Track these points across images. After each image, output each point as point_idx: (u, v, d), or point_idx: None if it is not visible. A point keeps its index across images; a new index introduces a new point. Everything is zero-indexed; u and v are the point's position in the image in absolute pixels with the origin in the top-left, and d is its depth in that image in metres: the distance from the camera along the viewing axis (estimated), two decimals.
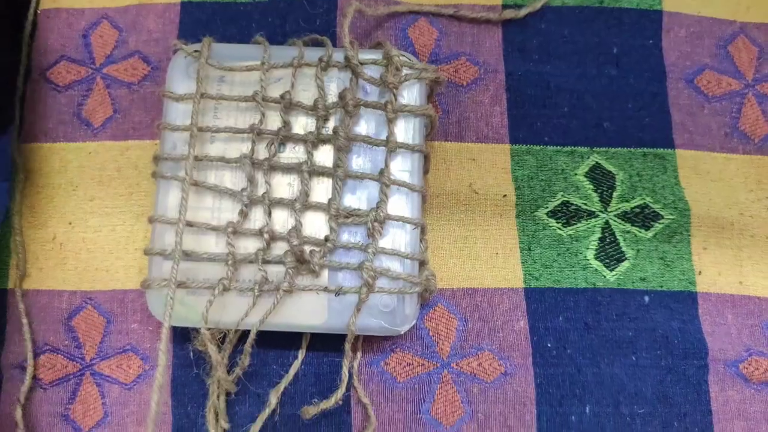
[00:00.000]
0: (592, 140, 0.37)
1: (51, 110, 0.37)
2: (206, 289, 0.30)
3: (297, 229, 0.30)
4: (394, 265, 0.31)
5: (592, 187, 0.36)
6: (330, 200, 0.31)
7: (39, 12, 0.38)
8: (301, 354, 0.33)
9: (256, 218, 0.31)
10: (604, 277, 0.35)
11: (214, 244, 0.31)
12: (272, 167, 0.31)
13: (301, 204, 0.30)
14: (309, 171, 0.31)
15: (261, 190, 0.31)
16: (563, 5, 0.39)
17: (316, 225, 0.31)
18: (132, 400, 0.33)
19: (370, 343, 0.34)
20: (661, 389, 0.34)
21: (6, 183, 0.36)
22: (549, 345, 0.34)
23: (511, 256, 0.35)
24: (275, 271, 0.31)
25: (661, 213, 0.36)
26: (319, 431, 0.33)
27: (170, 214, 0.31)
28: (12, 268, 0.35)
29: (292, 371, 0.33)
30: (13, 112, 0.37)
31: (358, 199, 0.32)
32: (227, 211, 0.31)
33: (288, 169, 0.32)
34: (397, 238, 0.31)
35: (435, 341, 0.34)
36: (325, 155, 0.32)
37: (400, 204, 0.32)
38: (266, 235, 0.30)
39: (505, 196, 0.36)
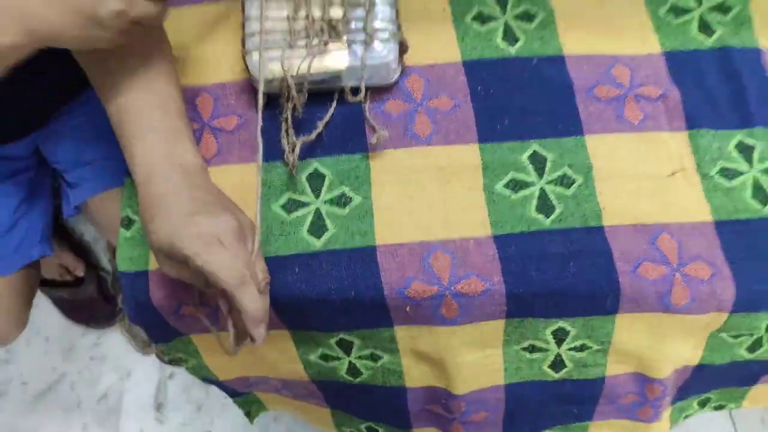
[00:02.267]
0: None
1: None
2: (279, 48, 0.53)
3: (327, 12, 0.54)
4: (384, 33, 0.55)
5: (495, 2, 0.60)
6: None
7: None
8: (334, 103, 0.56)
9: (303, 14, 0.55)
10: (509, 51, 0.59)
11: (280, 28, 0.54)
12: None
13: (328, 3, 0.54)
14: None
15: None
16: None
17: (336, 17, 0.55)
18: (233, 139, 0.56)
19: (374, 96, 0.57)
20: (548, 107, 0.57)
21: None
22: (479, 88, 0.58)
23: (451, 44, 0.59)
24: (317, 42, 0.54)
25: (537, 14, 0.60)
26: (346, 144, 0.55)
27: (254, 13, 0.55)
28: None
29: (330, 111, 0.56)
30: None
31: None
32: (285, 10, 0.55)
33: None
34: (384, 17, 0.55)
35: (412, 93, 0.57)
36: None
37: (384, 9, 0.56)
38: (310, 17, 0.53)
39: (444, 9, 0.60)
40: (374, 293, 0.52)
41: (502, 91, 0.57)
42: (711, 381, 0.63)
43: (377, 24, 0.54)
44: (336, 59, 0.54)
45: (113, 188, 0.73)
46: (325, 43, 0.53)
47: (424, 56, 0.59)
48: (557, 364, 0.58)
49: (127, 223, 0.54)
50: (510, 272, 0.52)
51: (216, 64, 0.59)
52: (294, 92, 0.53)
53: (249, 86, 0.58)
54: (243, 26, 0.55)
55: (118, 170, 0.64)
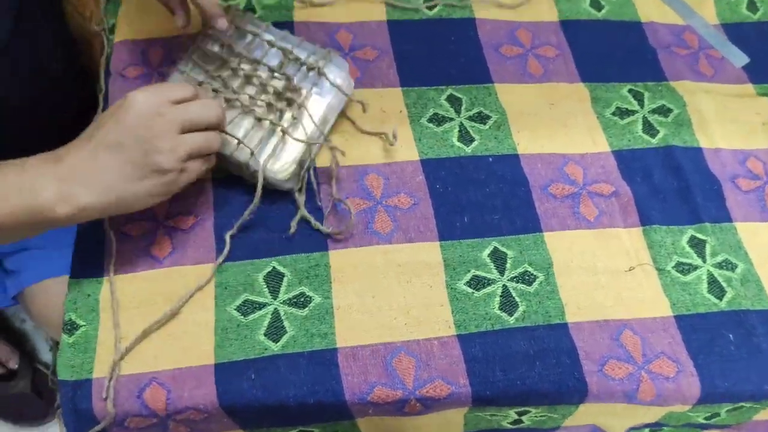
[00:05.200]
0: (447, 81, 0.64)
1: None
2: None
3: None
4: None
5: (449, 105, 0.63)
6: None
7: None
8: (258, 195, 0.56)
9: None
10: (465, 150, 0.60)
11: None
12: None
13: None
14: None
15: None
16: (421, 18, 0.68)
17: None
18: (189, 238, 0.54)
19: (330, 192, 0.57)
20: (506, 203, 0.58)
21: None
22: (438, 186, 0.58)
23: (411, 145, 0.60)
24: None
25: (490, 115, 0.62)
26: (305, 242, 0.54)
27: None
28: None
29: (255, 201, 0.55)
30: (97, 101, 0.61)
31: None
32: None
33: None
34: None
35: (371, 191, 0.58)
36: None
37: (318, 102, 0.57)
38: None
39: (401, 111, 0.61)
40: (335, 399, 0.49)
41: (460, 189, 0.58)
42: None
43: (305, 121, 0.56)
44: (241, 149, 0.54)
45: (53, 277, 0.70)
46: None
47: (382, 155, 0.60)
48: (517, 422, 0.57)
49: (71, 327, 0.51)
50: (475, 374, 0.50)
51: None
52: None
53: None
54: None
55: (60, 258, 0.61)
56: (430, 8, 0.69)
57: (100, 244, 0.54)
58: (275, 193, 0.56)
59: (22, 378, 0.99)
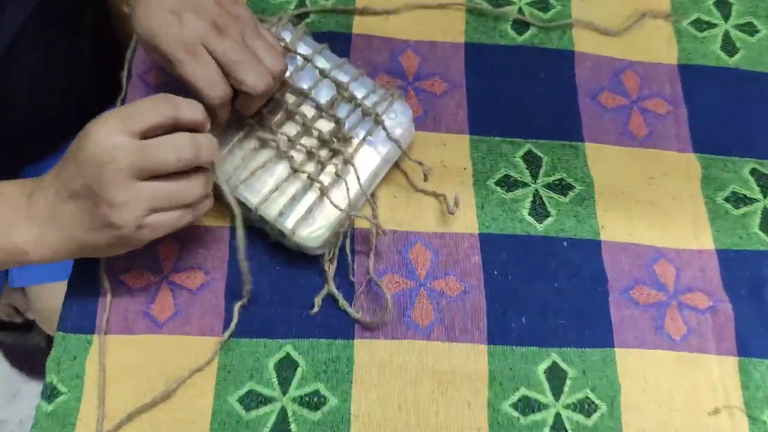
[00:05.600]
0: (526, 134, 0.52)
1: None
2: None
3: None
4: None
5: (525, 165, 0.51)
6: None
7: None
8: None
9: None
10: (536, 227, 0.50)
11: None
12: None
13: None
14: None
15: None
16: (507, 44, 0.55)
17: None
18: (196, 301, 0.46)
19: (364, 262, 0.47)
20: (575, 306, 0.48)
21: None
22: (495, 272, 0.48)
23: (470, 211, 0.50)
24: None
25: (574, 185, 0.51)
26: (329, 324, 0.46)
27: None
28: None
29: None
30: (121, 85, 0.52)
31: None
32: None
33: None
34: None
35: (415, 267, 0.48)
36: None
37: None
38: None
39: (465, 168, 0.51)
40: None
41: (523, 279, 0.48)
42: None
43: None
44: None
45: (57, 281, 0.64)
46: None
47: (435, 222, 0.49)
48: None
49: (51, 393, 0.44)
50: None
51: None
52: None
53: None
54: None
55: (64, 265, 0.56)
56: (520, 31, 0.56)
57: (94, 293, 0.47)
58: (300, 258, 0.47)
59: (39, 333, 0.98)
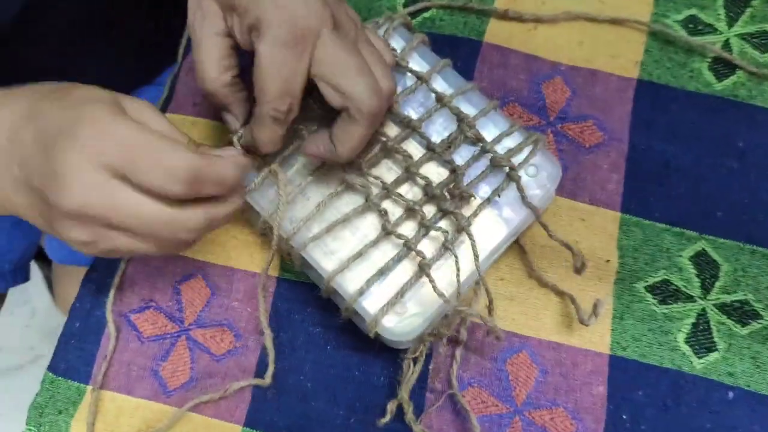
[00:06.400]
0: (702, 226, 0.37)
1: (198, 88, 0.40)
2: None
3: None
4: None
5: (695, 271, 0.36)
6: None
7: None
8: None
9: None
10: (691, 362, 0.35)
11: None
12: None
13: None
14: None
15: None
16: (697, 91, 0.40)
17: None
18: (218, 371, 0.35)
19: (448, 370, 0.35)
20: None
21: None
22: (624, 416, 0.34)
23: (603, 320, 0.36)
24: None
25: (762, 313, 0.36)
26: None
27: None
28: None
29: None
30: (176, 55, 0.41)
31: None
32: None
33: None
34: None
35: (513, 385, 0.35)
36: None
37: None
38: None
39: (608, 261, 0.36)
40: None
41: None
42: None
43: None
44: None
45: (78, 265, 0.56)
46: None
47: (553, 327, 0.36)
48: None
49: None
50: None
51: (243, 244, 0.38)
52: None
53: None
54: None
55: None
56: (721, 74, 0.40)
57: (99, 327, 0.36)
58: (363, 341, 0.35)
59: None
